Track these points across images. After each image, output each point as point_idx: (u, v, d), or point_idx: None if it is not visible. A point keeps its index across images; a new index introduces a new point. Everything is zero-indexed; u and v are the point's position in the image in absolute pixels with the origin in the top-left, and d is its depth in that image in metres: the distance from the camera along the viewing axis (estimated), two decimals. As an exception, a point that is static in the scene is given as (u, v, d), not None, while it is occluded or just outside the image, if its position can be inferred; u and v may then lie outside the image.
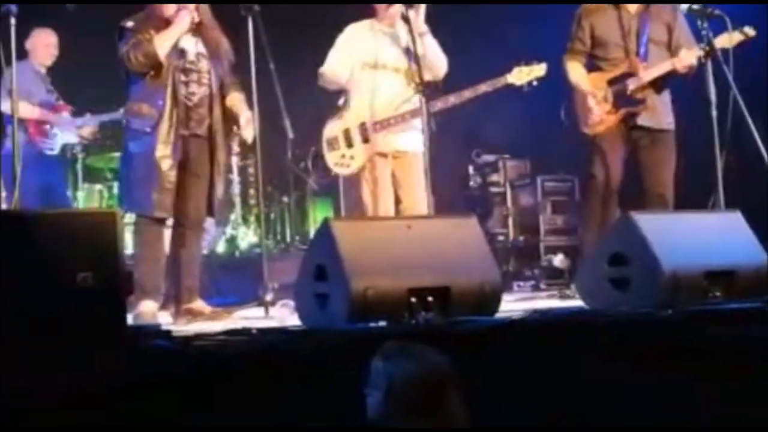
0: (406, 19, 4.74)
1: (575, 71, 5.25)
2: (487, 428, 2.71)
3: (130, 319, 4.29)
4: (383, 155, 4.99)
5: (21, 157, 4.42)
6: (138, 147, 4.59)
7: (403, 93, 4.90)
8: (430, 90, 4.77)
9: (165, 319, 4.54)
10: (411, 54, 4.74)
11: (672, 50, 5.18)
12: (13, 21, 4.42)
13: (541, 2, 7.04)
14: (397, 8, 4.89)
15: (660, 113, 5.19)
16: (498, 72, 5.05)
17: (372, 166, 4.98)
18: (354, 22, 5.13)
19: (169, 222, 4.74)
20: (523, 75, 5.02)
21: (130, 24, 4.62)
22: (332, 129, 5.05)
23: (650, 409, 3.15)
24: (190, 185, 4.64)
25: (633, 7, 5.19)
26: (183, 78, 4.62)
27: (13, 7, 4.41)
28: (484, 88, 5.00)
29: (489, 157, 7.48)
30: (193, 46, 4.68)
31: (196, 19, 4.64)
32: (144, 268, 4.53)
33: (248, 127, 4.76)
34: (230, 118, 4.77)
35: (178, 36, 4.60)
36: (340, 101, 5.13)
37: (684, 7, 5.01)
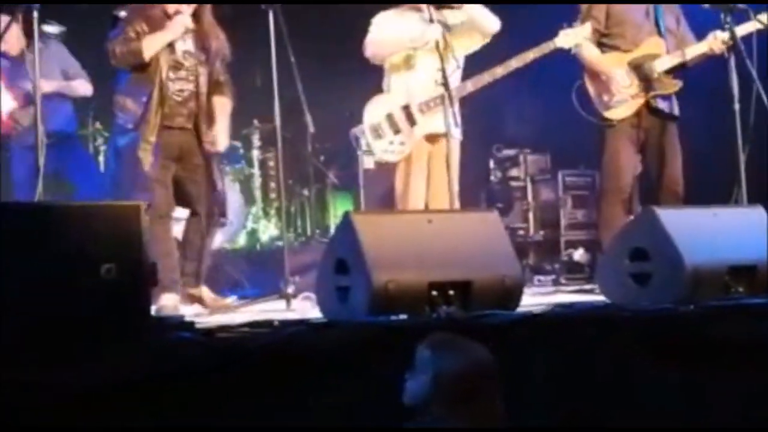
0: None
1: (590, 51, 5.07)
2: (521, 428, 2.72)
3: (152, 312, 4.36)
4: (431, 138, 4.92)
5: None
6: (123, 142, 4.61)
7: (437, 63, 4.69)
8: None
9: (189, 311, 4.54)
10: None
11: (678, 43, 5.12)
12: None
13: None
14: None
15: (674, 99, 5.13)
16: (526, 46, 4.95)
17: (412, 151, 4.91)
18: (377, 12, 5.12)
19: (180, 215, 4.76)
20: (571, 37, 4.90)
21: (122, 14, 4.60)
22: (374, 115, 4.98)
23: (671, 405, 3.15)
24: (186, 177, 4.65)
25: None
26: (172, 75, 4.59)
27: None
28: (531, 55, 4.89)
29: (509, 152, 7.46)
30: (182, 42, 4.64)
31: (190, 26, 4.61)
32: (159, 264, 4.53)
33: (218, 138, 4.70)
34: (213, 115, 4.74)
35: (168, 41, 4.57)
36: (384, 83, 5.05)
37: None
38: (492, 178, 7.49)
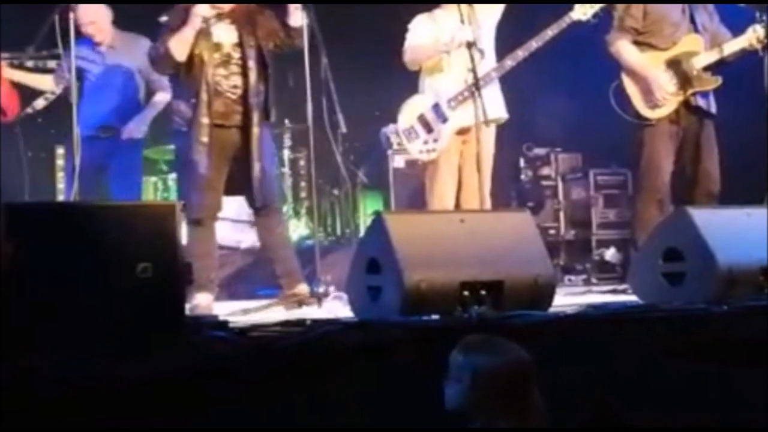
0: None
1: (629, 50, 5.03)
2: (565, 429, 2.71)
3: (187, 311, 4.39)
4: (463, 131, 4.92)
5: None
6: (179, 146, 4.64)
7: (467, 64, 4.70)
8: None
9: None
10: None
11: (712, 40, 5.08)
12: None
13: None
14: None
15: (712, 97, 5.09)
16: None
17: (443, 148, 4.93)
18: (407, 15, 5.14)
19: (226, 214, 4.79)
20: (587, 8, 4.85)
21: (164, 19, 4.59)
22: (407, 118, 5.01)
23: (704, 406, 3.13)
24: (244, 175, 4.59)
25: None
26: (223, 71, 4.55)
27: None
28: (550, 33, 4.86)
29: (540, 151, 7.44)
30: (228, 36, 4.58)
31: (208, 14, 4.51)
32: (196, 264, 4.52)
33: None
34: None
35: (192, 36, 4.48)
36: (419, 85, 5.06)
37: None
38: (522, 177, 7.47)
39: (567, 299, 4.53)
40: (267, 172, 4.65)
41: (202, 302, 4.46)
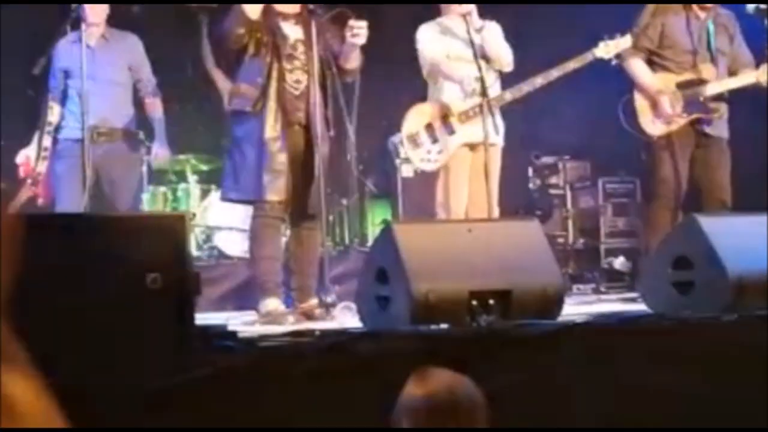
0: (464, 16, 4.76)
1: (641, 68, 5.13)
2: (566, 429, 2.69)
3: (256, 319, 4.37)
4: (471, 146, 4.94)
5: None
6: (243, 130, 4.48)
7: (476, 72, 4.77)
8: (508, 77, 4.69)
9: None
10: (477, 48, 4.74)
11: (731, 63, 5.14)
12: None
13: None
14: (456, 6, 4.89)
15: (723, 122, 5.14)
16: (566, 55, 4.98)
17: (453, 159, 4.94)
18: (417, 22, 5.16)
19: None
20: (611, 48, 4.94)
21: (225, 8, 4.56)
22: (412, 125, 5.01)
23: (714, 416, 3.12)
24: (297, 180, 4.49)
25: (702, 14, 5.13)
26: (287, 65, 4.47)
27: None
28: (572, 65, 4.93)
29: (548, 159, 7.43)
30: (294, 32, 4.54)
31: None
32: (263, 266, 4.46)
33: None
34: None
35: None
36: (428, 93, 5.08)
37: (750, 7, 4.95)
38: (530, 185, 7.46)
39: (575, 308, 4.53)
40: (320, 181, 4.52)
41: (274, 308, 4.38)
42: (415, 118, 5.03)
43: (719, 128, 5.14)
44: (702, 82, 5.08)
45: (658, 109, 5.07)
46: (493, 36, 4.98)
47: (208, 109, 7.10)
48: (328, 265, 4.72)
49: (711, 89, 5.06)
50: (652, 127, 5.11)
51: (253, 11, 4.43)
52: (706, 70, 5.11)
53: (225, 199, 4.86)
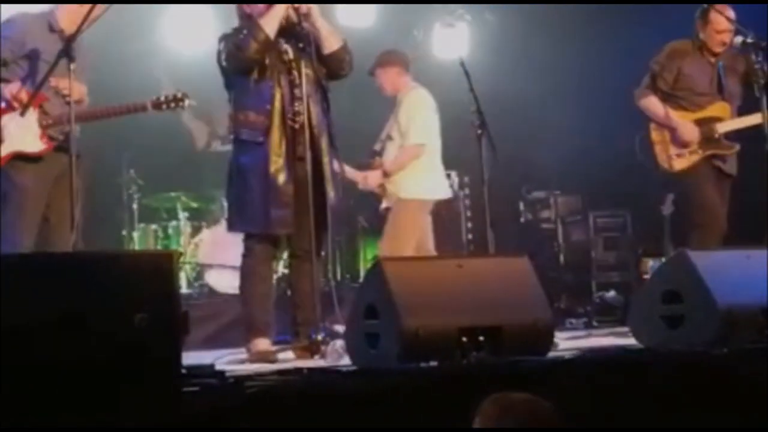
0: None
1: (659, 107, 5.27)
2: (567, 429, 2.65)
3: (246, 358, 4.33)
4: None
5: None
6: (250, 160, 4.33)
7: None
8: None
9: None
10: None
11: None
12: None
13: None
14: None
15: (734, 160, 5.30)
16: None
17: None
18: None
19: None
20: None
21: (228, 32, 4.41)
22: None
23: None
24: (301, 212, 4.31)
25: (713, 57, 5.27)
26: (296, 92, 4.30)
27: None
28: None
29: (539, 194, 7.46)
30: (289, 50, 4.39)
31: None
32: (255, 304, 4.40)
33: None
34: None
35: (283, 12, 4.25)
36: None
37: (738, 40, 5.03)
38: (522, 219, 7.48)
39: (567, 343, 4.51)
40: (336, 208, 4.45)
41: (264, 348, 4.32)
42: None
43: (731, 166, 5.29)
44: (716, 120, 5.22)
45: (677, 140, 5.17)
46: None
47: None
48: (319, 302, 4.61)
49: (724, 127, 5.20)
50: (672, 162, 5.21)
51: (271, 27, 4.25)
52: (721, 109, 5.26)
53: (231, 230, 4.71)
